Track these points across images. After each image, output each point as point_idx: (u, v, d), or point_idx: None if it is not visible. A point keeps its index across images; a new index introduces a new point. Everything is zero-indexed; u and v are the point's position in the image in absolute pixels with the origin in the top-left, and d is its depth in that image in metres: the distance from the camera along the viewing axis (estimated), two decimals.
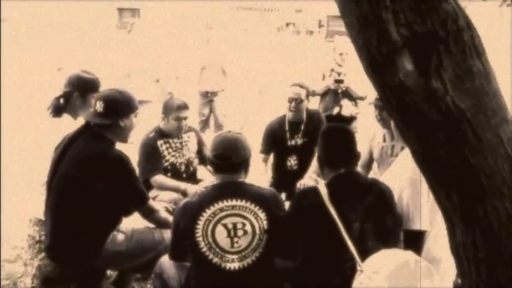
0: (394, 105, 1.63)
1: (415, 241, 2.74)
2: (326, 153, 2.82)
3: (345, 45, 6.11)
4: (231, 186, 2.66)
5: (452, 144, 1.57)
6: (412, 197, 2.81)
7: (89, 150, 2.93)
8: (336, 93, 6.15)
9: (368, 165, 4.27)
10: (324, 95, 6.28)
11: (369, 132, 4.30)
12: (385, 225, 2.65)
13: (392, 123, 3.52)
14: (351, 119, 6.14)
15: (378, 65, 1.58)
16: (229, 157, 2.66)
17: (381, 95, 1.68)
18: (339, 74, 6.16)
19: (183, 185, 4.01)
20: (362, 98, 6.13)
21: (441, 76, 1.53)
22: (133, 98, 3.10)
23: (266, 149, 4.70)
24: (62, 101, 3.42)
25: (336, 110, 6.06)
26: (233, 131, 2.82)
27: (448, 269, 2.82)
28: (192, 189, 3.90)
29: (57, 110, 3.42)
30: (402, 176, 2.87)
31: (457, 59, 1.53)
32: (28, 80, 11.39)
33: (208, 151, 3.22)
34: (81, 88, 3.43)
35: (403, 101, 1.58)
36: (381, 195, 2.72)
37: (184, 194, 3.88)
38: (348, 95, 6.12)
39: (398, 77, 1.54)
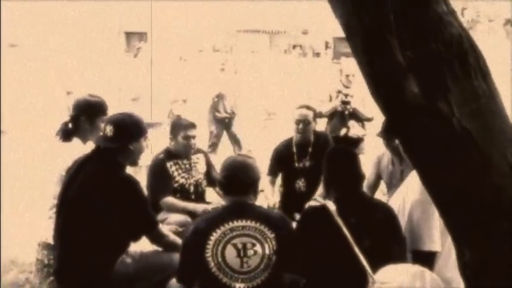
0: (401, 127, 1.65)
1: (425, 262, 2.73)
2: (331, 176, 2.87)
3: (352, 66, 6.10)
4: (241, 207, 2.67)
5: (459, 165, 1.58)
6: (422, 218, 2.82)
7: (99, 174, 2.94)
8: (343, 115, 6.14)
9: (374, 186, 4.27)
10: (331, 116, 6.27)
11: (377, 153, 4.30)
12: (391, 251, 2.66)
13: (401, 149, 3.52)
14: (358, 140, 6.13)
15: (383, 87, 1.60)
16: (239, 178, 2.68)
17: (387, 117, 1.69)
18: (346, 96, 6.15)
19: (191, 205, 4.03)
20: (369, 120, 6.12)
21: (447, 98, 1.54)
22: (142, 122, 3.12)
23: (273, 171, 4.70)
24: (70, 125, 3.43)
25: (343, 132, 6.06)
26: (243, 155, 2.85)
27: None
28: (200, 208, 3.93)
29: (66, 134, 3.42)
30: (411, 197, 2.87)
31: (463, 81, 1.54)
32: (36, 104, 11.45)
33: (216, 173, 3.22)
34: (87, 112, 3.43)
35: (410, 123, 1.59)
36: (387, 212, 2.77)
37: (192, 214, 3.89)
38: (355, 116, 6.11)
39: (404, 99, 1.55)
